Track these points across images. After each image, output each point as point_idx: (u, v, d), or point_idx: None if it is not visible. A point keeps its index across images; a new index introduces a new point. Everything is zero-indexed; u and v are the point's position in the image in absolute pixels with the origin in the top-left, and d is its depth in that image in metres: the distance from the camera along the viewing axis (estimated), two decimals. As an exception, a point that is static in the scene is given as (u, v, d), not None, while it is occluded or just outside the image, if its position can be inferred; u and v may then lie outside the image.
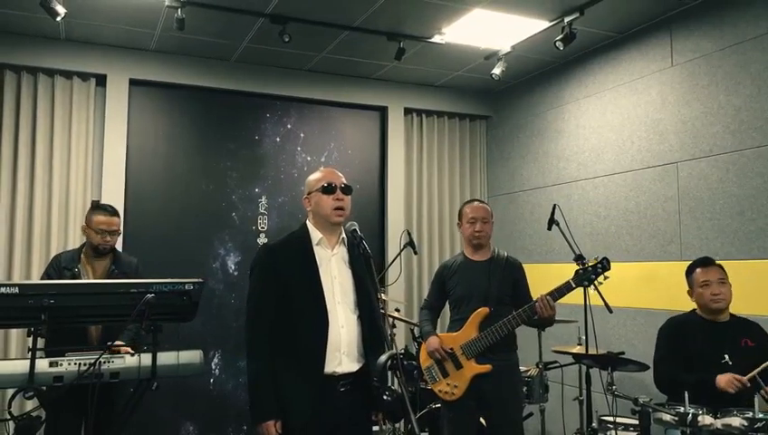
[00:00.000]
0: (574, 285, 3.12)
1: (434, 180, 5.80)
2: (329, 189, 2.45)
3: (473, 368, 3.22)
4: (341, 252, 2.50)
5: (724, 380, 2.81)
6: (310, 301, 2.36)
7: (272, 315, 2.37)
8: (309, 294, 2.36)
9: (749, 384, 2.74)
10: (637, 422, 2.91)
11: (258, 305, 2.40)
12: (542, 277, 3.23)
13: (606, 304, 3.29)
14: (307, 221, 2.54)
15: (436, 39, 4.50)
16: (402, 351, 2.08)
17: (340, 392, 2.33)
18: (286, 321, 2.35)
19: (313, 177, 2.54)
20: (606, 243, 4.59)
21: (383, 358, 2.08)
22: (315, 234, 2.48)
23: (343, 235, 2.51)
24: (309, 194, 2.52)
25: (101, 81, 4.72)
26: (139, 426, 4.44)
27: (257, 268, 2.45)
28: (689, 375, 2.96)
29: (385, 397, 2.11)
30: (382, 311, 4.44)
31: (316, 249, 2.45)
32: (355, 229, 2.42)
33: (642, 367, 3.28)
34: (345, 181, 2.52)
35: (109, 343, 2.58)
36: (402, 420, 3.77)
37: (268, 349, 2.34)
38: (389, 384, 2.14)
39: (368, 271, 2.35)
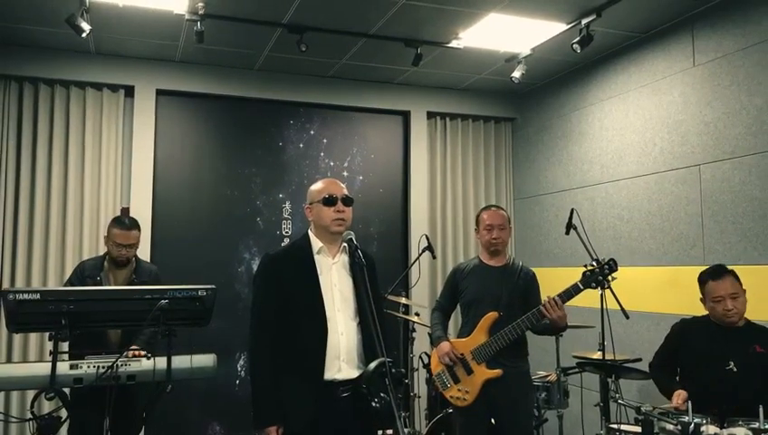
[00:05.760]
0: (582, 287, 3.09)
1: (458, 184, 5.79)
2: (330, 201, 2.49)
3: (484, 373, 3.22)
4: (343, 260, 2.53)
5: (680, 398, 2.89)
6: (310, 308, 2.40)
7: (274, 322, 2.41)
8: (309, 302, 2.40)
9: None
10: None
11: (261, 312, 2.45)
12: (568, 281, 3.21)
13: (622, 310, 3.24)
14: (309, 230, 2.59)
15: (454, 44, 4.51)
16: (391, 360, 2.10)
17: (341, 399, 2.36)
18: (287, 328, 2.40)
19: (315, 187, 2.59)
20: (630, 247, 4.52)
21: (372, 365, 2.12)
22: (316, 243, 2.52)
23: (345, 243, 2.54)
24: (310, 204, 2.57)
25: (130, 92, 4.90)
26: (168, 426, 4.61)
27: (260, 276, 2.50)
28: (665, 380, 3.13)
29: (374, 404, 2.13)
30: (404, 315, 4.51)
31: (317, 258, 2.49)
32: (351, 238, 2.45)
33: (645, 375, 3.22)
34: (346, 192, 2.56)
35: (124, 349, 2.72)
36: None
37: (270, 355, 2.39)
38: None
39: (362, 278, 2.37)
